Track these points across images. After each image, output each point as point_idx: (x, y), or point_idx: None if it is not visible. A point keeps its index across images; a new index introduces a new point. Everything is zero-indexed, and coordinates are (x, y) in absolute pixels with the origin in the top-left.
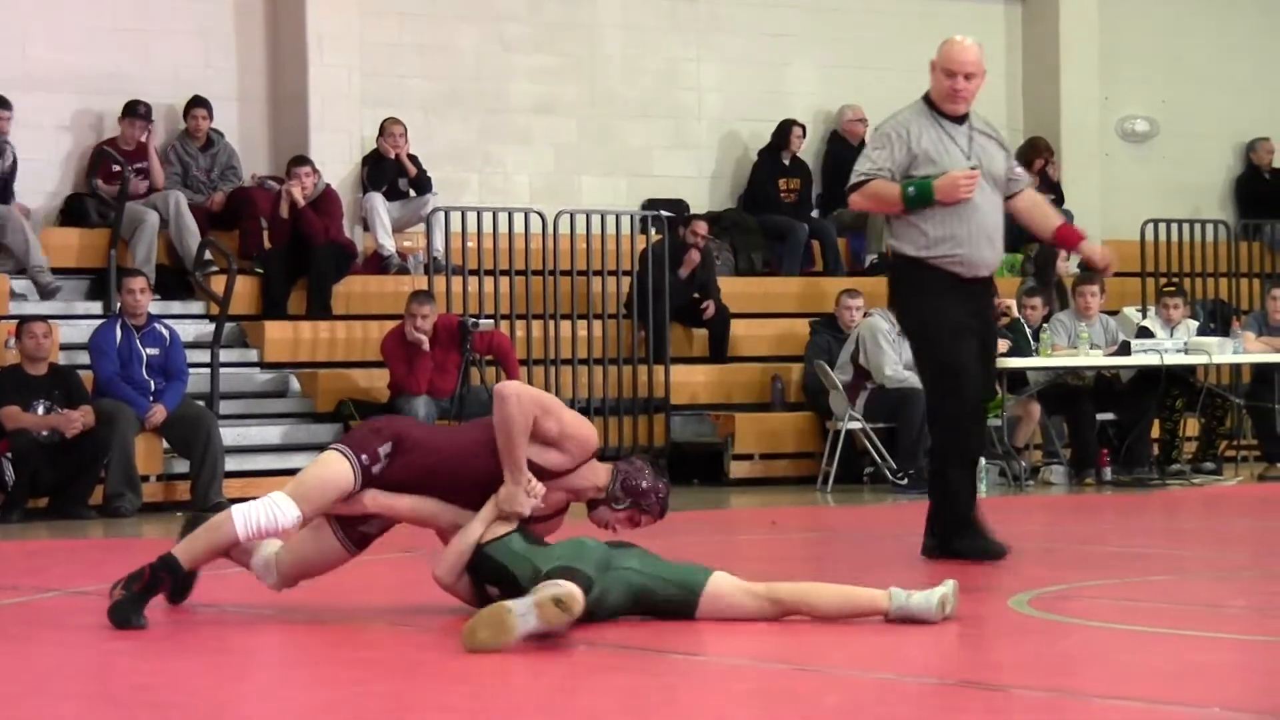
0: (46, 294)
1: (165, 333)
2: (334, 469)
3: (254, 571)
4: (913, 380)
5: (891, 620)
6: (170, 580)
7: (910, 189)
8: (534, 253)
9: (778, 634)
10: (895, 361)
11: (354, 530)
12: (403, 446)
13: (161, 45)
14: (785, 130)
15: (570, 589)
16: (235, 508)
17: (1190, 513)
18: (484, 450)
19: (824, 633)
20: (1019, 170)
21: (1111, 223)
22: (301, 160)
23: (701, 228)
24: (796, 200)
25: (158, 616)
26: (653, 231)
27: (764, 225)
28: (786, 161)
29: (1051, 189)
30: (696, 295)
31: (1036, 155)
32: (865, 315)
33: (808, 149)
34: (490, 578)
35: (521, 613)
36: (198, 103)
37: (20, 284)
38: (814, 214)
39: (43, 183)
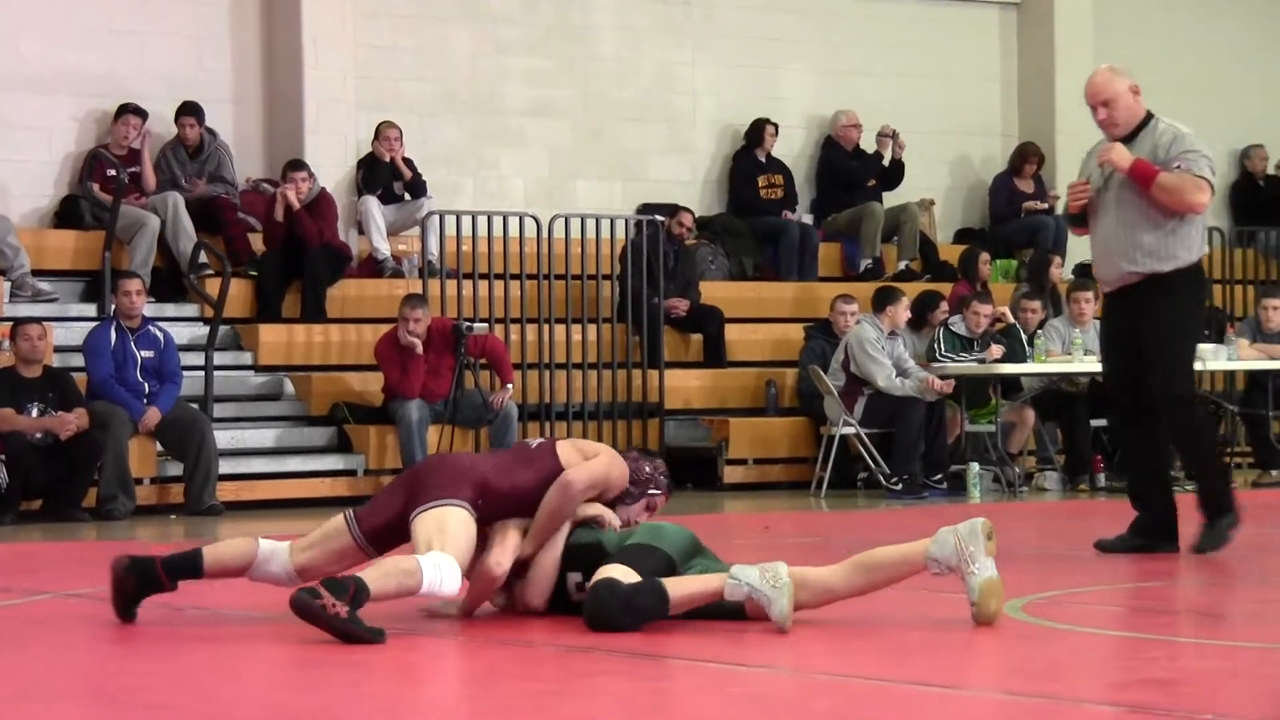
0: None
1: (159, 335)
2: (469, 529)
3: (279, 581)
4: (909, 388)
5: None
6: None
7: None
8: (528, 256)
9: (772, 639)
10: (889, 372)
11: (377, 538)
12: (486, 498)
13: (156, 48)
14: (758, 129)
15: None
16: (428, 562)
17: (1184, 519)
18: (546, 487)
19: (818, 638)
20: (1176, 164)
21: None
22: (298, 165)
23: (687, 219)
24: (781, 197)
25: (152, 617)
26: (633, 231)
27: (754, 228)
28: (763, 159)
29: (1042, 194)
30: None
31: (1026, 161)
32: (857, 323)
33: (801, 153)
34: (575, 564)
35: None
36: (187, 110)
37: (43, 283)
38: (803, 217)
39: (37, 185)
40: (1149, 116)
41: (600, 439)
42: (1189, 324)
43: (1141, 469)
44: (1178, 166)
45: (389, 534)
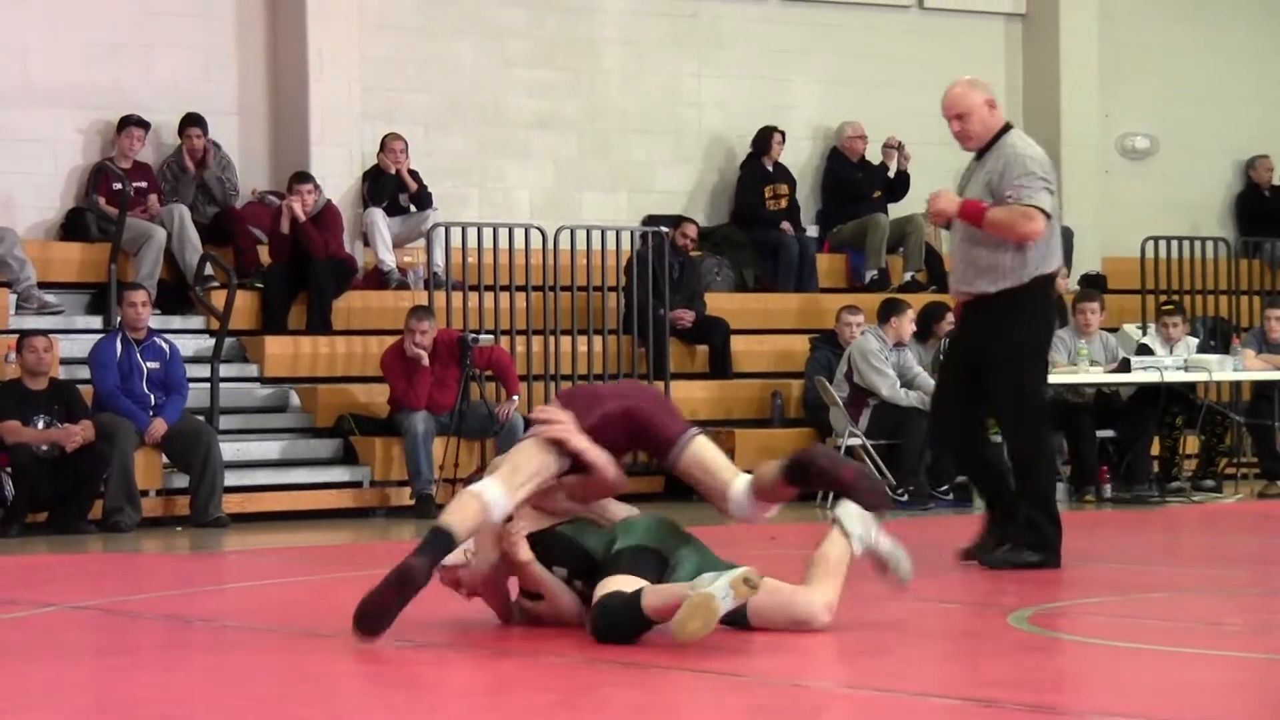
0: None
1: (165, 347)
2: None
3: None
4: (913, 399)
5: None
6: None
7: None
8: (534, 268)
9: (777, 650)
10: (893, 382)
11: None
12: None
13: (162, 60)
14: (765, 137)
15: (751, 569)
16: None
17: (1190, 530)
18: None
19: (822, 648)
20: (1008, 198)
21: (1111, 240)
22: (304, 177)
23: (691, 230)
24: (786, 207)
25: (157, 628)
26: (638, 242)
27: (754, 240)
28: (770, 168)
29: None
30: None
31: None
32: (861, 334)
33: (807, 164)
34: (561, 557)
35: (721, 596)
36: (191, 121)
37: (49, 295)
38: (810, 230)
39: (43, 197)
40: (1005, 129)
41: None
42: (1028, 343)
43: (983, 479)
44: (1009, 196)
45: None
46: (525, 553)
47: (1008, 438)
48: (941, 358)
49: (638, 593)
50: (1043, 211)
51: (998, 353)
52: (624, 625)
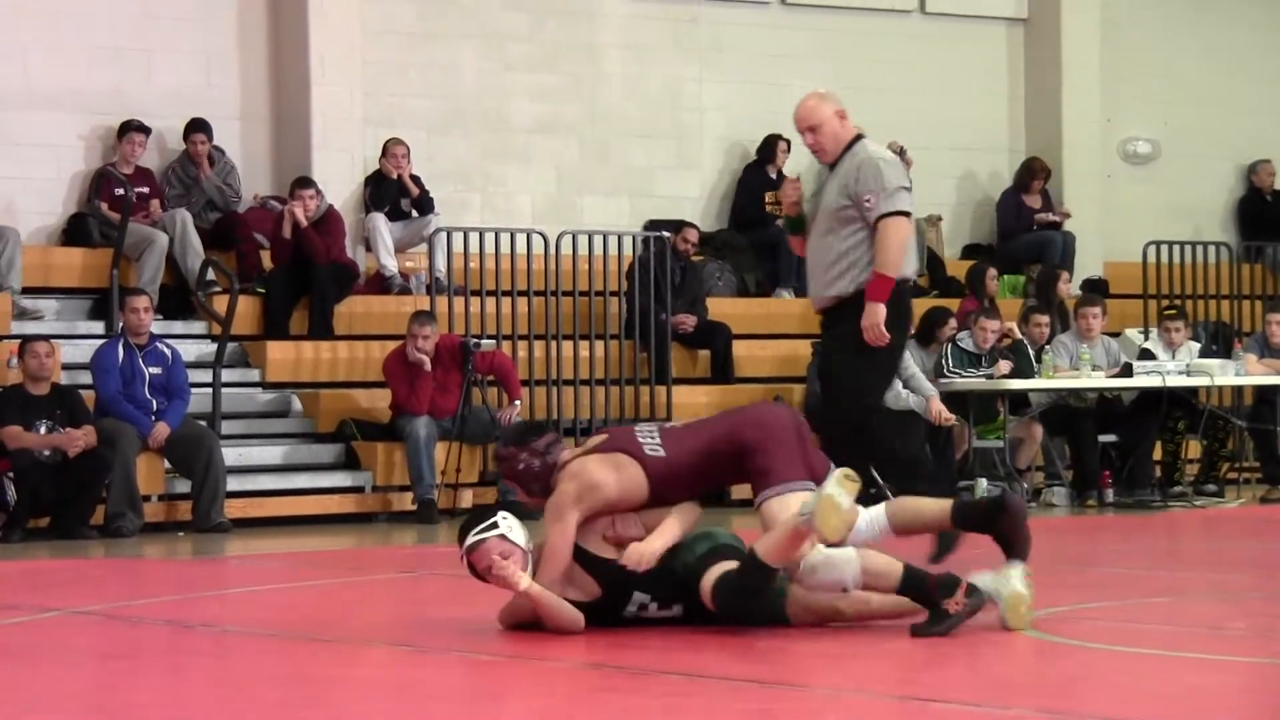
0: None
1: (167, 352)
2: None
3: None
4: (913, 402)
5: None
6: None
7: None
8: (536, 273)
9: (778, 655)
10: (894, 387)
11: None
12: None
13: (164, 65)
14: (771, 144)
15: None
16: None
17: (1192, 535)
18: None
19: (824, 652)
20: (866, 203)
21: (1113, 244)
22: (306, 182)
23: (692, 235)
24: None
25: (158, 633)
26: (640, 247)
27: (753, 242)
28: (773, 175)
29: (1050, 209)
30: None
31: (1033, 176)
32: None
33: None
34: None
35: (833, 492)
36: (196, 126)
37: (27, 301)
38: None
39: (46, 202)
40: (856, 139)
41: None
42: (881, 349)
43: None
44: (867, 203)
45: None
46: (524, 581)
47: (842, 453)
48: (814, 368)
49: (750, 551)
50: (899, 214)
51: (839, 358)
52: (751, 583)
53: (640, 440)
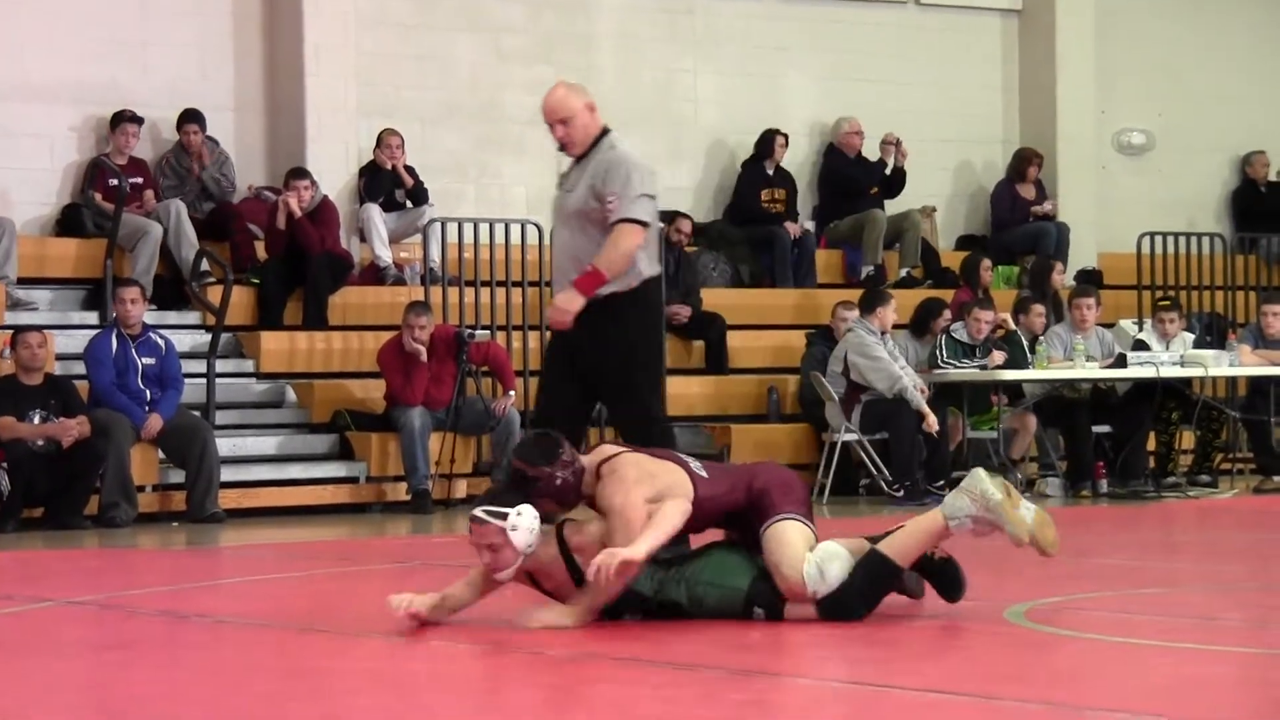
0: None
1: (161, 342)
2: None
3: None
4: (908, 393)
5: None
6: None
7: None
8: (530, 264)
9: (772, 646)
10: (895, 370)
11: None
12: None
13: (158, 56)
14: (768, 140)
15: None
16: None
17: (1186, 525)
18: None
19: (820, 643)
20: (609, 203)
21: (1108, 235)
22: (300, 173)
23: (685, 226)
24: (783, 210)
25: (154, 625)
26: None
27: (749, 236)
28: (770, 171)
29: (1044, 199)
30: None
31: (1028, 164)
32: (848, 330)
33: (804, 160)
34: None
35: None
36: (189, 117)
37: (20, 291)
38: (807, 225)
39: (40, 193)
40: (604, 133)
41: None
42: (639, 349)
43: None
44: (609, 203)
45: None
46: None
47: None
48: (546, 360)
49: (877, 554)
50: (636, 222)
51: (612, 365)
52: (883, 587)
53: (682, 456)
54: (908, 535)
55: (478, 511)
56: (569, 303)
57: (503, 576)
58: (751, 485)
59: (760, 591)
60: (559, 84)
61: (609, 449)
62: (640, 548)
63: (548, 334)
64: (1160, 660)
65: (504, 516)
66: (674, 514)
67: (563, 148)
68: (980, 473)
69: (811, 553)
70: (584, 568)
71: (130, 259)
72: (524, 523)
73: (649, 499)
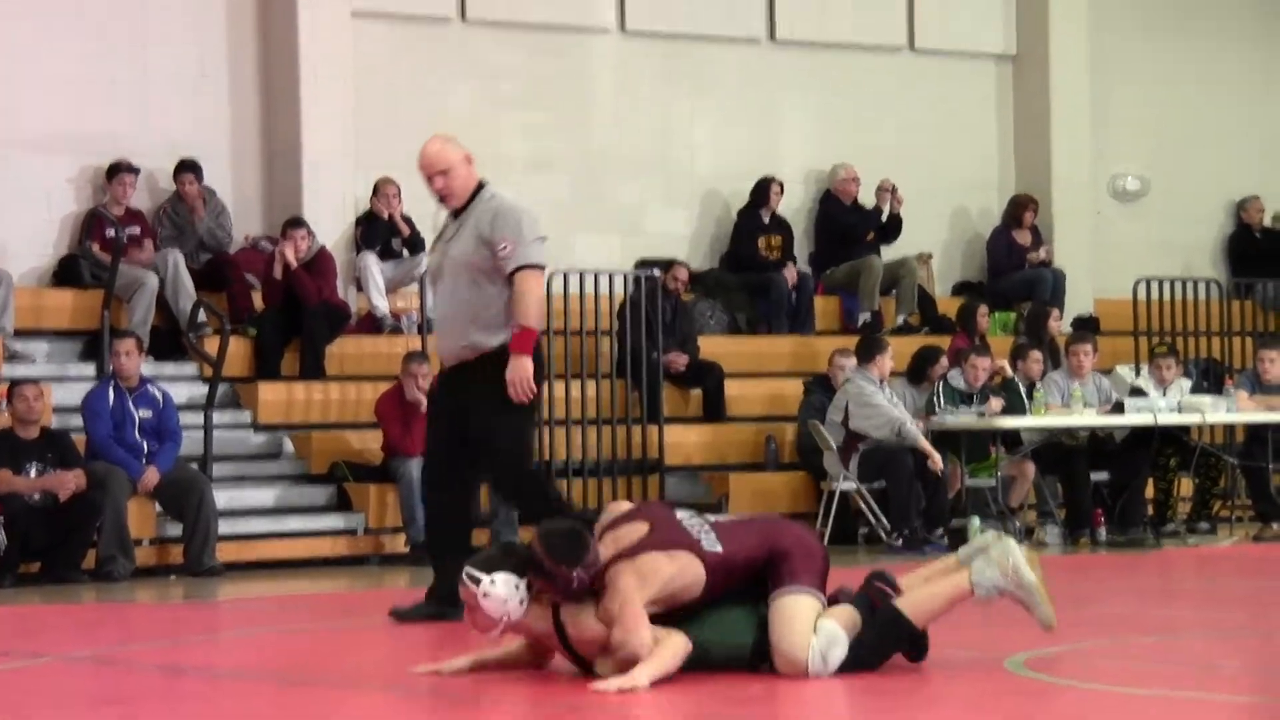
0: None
1: (158, 395)
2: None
3: None
4: (907, 438)
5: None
6: None
7: None
8: None
9: (771, 696)
10: (894, 415)
11: None
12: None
13: (155, 107)
14: (764, 187)
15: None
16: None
17: (1185, 573)
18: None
19: (818, 691)
20: (502, 250)
21: (1103, 281)
22: (297, 223)
23: (682, 273)
24: (780, 257)
25: (151, 678)
26: (631, 286)
27: (744, 282)
28: (766, 219)
29: (1039, 245)
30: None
31: (1023, 210)
32: (846, 380)
33: (800, 207)
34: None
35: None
36: (185, 167)
37: (18, 344)
38: (804, 269)
39: (37, 244)
40: (480, 185)
41: (600, 495)
42: (513, 406)
43: (442, 536)
44: (503, 251)
45: None
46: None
47: (518, 508)
48: (430, 414)
49: (894, 610)
50: (536, 267)
51: (488, 413)
52: (895, 647)
53: (693, 532)
54: (930, 598)
55: (468, 568)
56: (521, 370)
57: (489, 637)
58: (776, 544)
59: (767, 646)
60: (435, 137)
61: (622, 535)
62: (640, 678)
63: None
64: (1159, 708)
65: (478, 582)
66: (676, 653)
67: (442, 199)
68: (1012, 545)
69: (816, 636)
70: (581, 653)
71: (127, 310)
72: (497, 592)
73: (653, 599)
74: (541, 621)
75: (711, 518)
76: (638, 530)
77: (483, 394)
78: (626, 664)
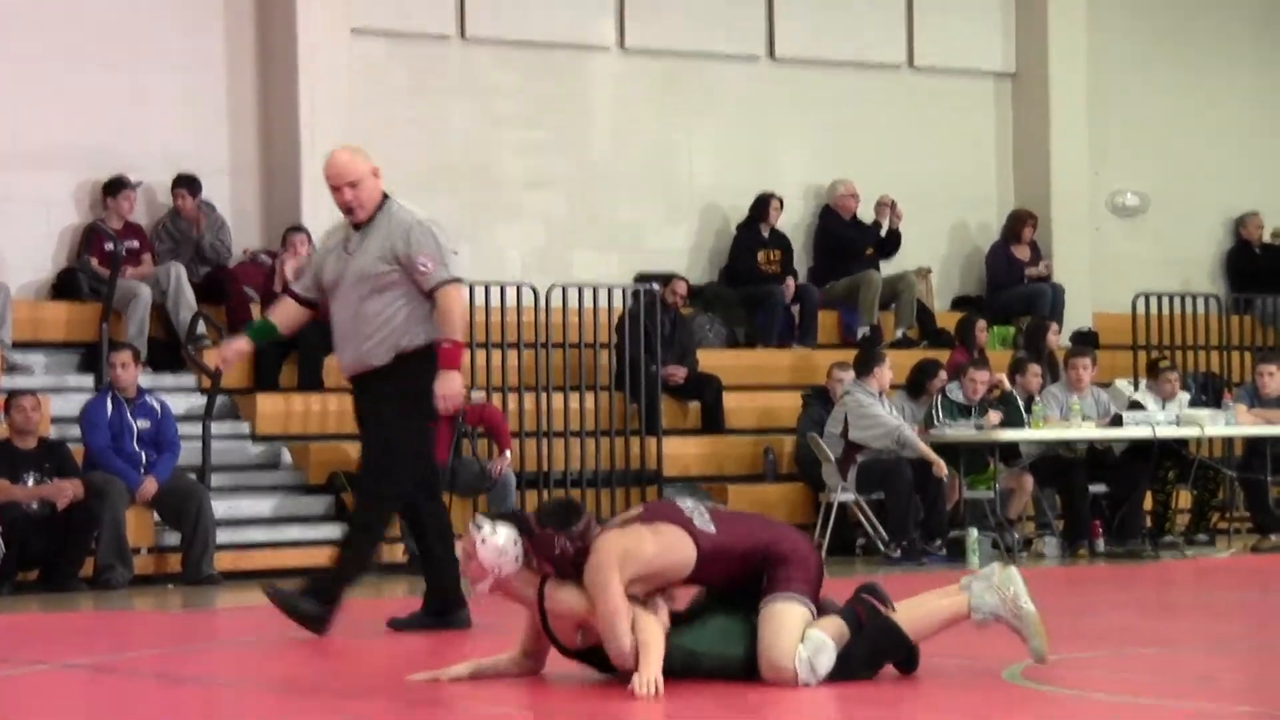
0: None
1: (156, 405)
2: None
3: None
4: (906, 450)
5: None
6: None
7: None
8: (526, 326)
9: (772, 706)
10: (894, 424)
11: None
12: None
13: (153, 120)
14: (763, 203)
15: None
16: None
17: (1183, 585)
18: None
19: (814, 704)
20: (421, 267)
21: (1102, 296)
22: (298, 229)
23: (680, 287)
24: (779, 272)
25: (149, 686)
26: (629, 300)
27: (743, 297)
28: (765, 234)
29: (1038, 260)
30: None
31: (1022, 226)
32: (845, 393)
33: (799, 223)
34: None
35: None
36: (181, 182)
37: (17, 355)
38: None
39: (36, 258)
40: (385, 198)
41: (599, 507)
42: (425, 405)
43: (429, 544)
44: (422, 268)
45: None
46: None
47: (361, 493)
48: (361, 433)
49: (889, 621)
50: (456, 281)
51: (389, 411)
52: (890, 657)
53: (686, 512)
54: (928, 615)
55: (470, 524)
56: (451, 385)
57: (478, 590)
58: (773, 547)
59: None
60: (343, 148)
61: (618, 520)
62: (651, 671)
63: (527, 398)
64: (1156, 719)
65: (480, 529)
66: (659, 634)
67: (348, 211)
68: (1015, 574)
69: (803, 644)
70: (554, 631)
71: (124, 322)
72: (495, 541)
73: (632, 577)
74: (529, 588)
75: (712, 505)
76: (630, 512)
77: (379, 411)
78: (619, 657)
